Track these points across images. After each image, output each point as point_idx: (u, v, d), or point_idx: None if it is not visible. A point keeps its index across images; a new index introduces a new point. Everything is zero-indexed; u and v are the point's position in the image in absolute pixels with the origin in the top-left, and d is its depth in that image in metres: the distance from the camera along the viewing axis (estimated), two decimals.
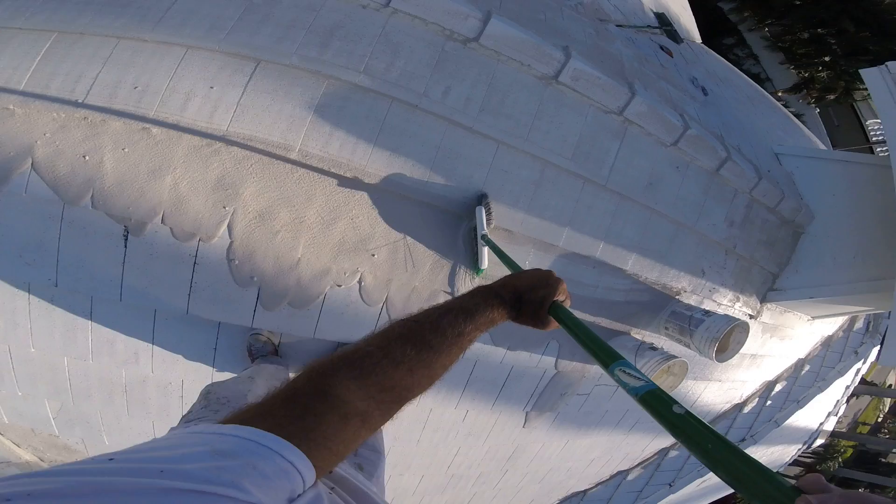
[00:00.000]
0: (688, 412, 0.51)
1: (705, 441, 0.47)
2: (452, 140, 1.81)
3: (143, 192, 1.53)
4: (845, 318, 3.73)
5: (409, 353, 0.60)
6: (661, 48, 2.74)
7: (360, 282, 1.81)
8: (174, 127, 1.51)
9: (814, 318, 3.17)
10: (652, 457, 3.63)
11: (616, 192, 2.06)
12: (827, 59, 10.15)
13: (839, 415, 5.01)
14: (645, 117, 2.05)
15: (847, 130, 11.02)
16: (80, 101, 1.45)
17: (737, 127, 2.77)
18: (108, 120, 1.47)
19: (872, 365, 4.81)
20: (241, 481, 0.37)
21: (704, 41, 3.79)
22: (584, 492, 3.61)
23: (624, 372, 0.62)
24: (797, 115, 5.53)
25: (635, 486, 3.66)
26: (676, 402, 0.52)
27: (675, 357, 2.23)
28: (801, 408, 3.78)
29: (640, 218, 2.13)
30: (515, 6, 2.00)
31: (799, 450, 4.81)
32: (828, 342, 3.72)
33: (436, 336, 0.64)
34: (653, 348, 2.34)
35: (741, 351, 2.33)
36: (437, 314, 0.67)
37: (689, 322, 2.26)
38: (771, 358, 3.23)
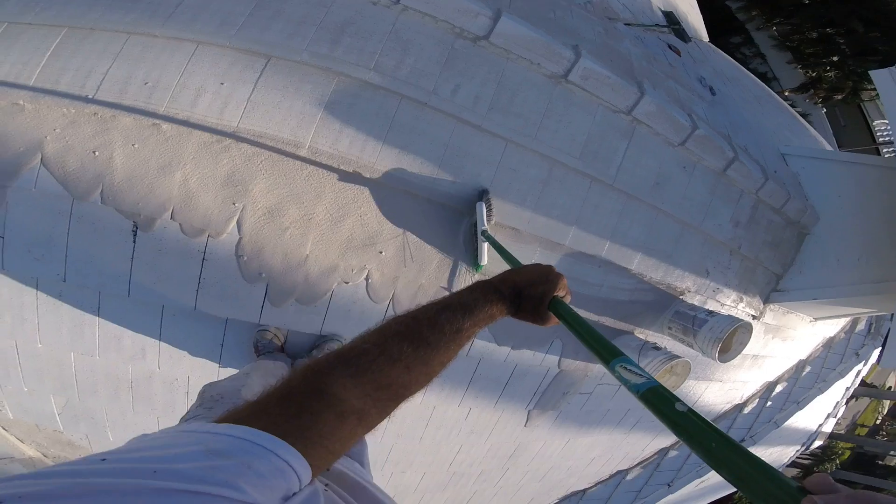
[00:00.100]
0: (690, 409, 0.50)
1: (708, 439, 0.46)
2: (461, 138, 1.83)
3: (152, 188, 1.56)
4: (847, 319, 3.79)
5: (406, 350, 0.60)
6: (670, 47, 2.77)
7: (367, 279, 1.84)
8: (184, 123, 1.53)
9: (816, 319, 3.22)
10: (651, 456, 3.69)
11: (623, 191, 2.09)
12: (835, 58, 10.16)
13: (838, 416, 5.09)
14: (653, 117, 2.09)
15: (854, 131, 11.08)
16: (90, 96, 1.47)
17: (744, 127, 2.80)
18: (119, 116, 1.50)
19: (873, 367, 4.88)
20: (236, 480, 0.37)
21: (712, 40, 3.82)
22: (584, 491, 3.67)
23: (625, 368, 0.61)
24: (804, 115, 5.57)
25: (634, 486, 3.73)
26: (679, 400, 0.51)
27: (678, 357, 2.27)
28: (801, 409, 3.84)
29: (646, 217, 2.17)
30: (525, 4, 2.02)
31: (797, 451, 4.89)
32: (829, 343, 3.78)
33: (434, 333, 0.64)
34: (656, 348, 2.38)
35: (743, 351, 2.38)
36: (435, 310, 0.67)
37: (693, 322, 2.31)
38: (772, 359, 3.29)
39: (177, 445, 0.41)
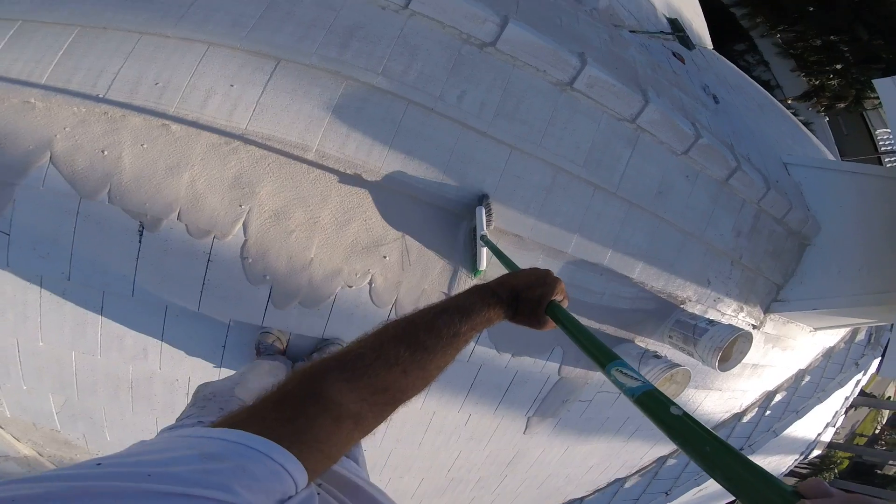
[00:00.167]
0: (686, 414, 0.50)
1: (703, 444, 0.46)
2: (466, 144, 1.87)
3: (160, 189, 1.58)
4: (847, 329, 3.83)
5: (402, 354, 0.60)
6: (674, 54, 2.81)
7: (370, 283, 1.87)
8: (193, 124, 1.56)
9: (816, 329, 3.26)
10: (650, 465, 3.72)
11: (626, 199, 2.13)
12: (839, 66, 10.26)
13: (837, 426, 5.13)
14: (657, 125, 2.13)
15: (856, 139, 11.19)
16: (101, 95, 1.50)
17: (747, 135, 2.85)
18: (128, 115, 1.52)
19: (873, 377, 4.93)
20: (230, 483, 0.38)
21: (716, 47, 3.87)
22: (581, 499, 3.69)
23: (620, 372, 0.61)
24: (806, 123, 5.64)
25: (632, 494, 3.75)
26: (674, 404, 0.52)
27: (678, 365, 2.31)
28: (800, 418, 3.88)
29: (648, 226, 2.21)
30: (532, 11, 2.06)
31: (795, 460, 4.93)
32: (829, 353, 3.83)
33: (431, 337, 0.64)
34: (656, 356, 2.42)
35: (743, 361, 2.42)
36: (433, 314, 0.67)
37: (693, 331, 2.34)
38: (772, 368, 3.33)
39: (171, 450, 0.42)
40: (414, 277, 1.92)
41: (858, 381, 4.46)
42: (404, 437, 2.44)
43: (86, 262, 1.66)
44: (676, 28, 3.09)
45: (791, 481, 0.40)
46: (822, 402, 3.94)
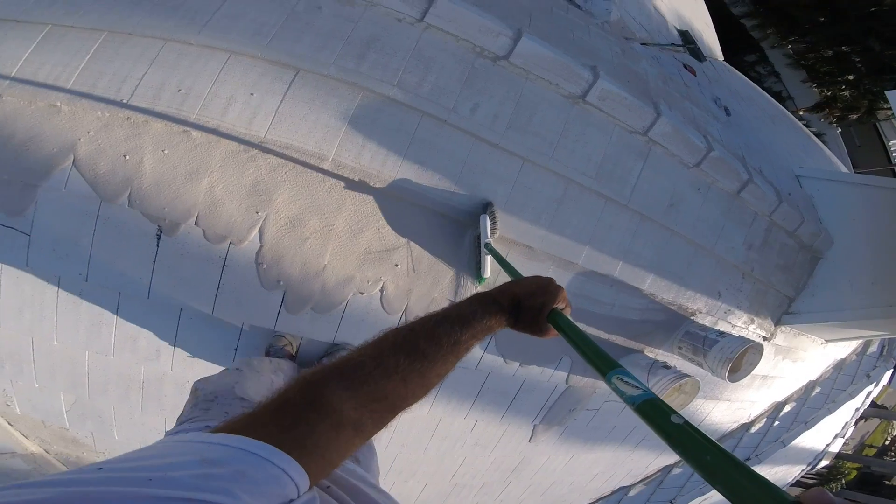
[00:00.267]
0: (686, 422, 0.50)
1: (704, 453, 0.46)
2: (478, 155, 1.91)
3: (179, 194, 1.63)
4: (859, 341, 3.84)
5: (402, 362, 0.61)
6: (685, 66, 2.84)
7: (382, 290, 1.91)
8: (213, 131, 1.61)
9: (828, 341, 3.27)
10: (655, 474, 3.73)
11: (637, 211, 2.16)
12: (851, 77, 10.23)
13: (846, 437, 5.12)
14: (669, 138, 2.16)
15: (869, 151, 11.15)
16: (124, 101, 1.55)
17: (758, 148, 2.87)
18: (151, 121, 1.57)
19: (884, 388, 4.93)
20: (231, 487, 0.39)
21: (726, 58, 3.90)
22: None
23: (621, 380, 0.61)
24: (818, 135, 5.64)
25: (636, 503, 3.77)
26: (675, 412, 0.52)
27: (687, 376, 2.33)
28: (809, 429, 3.89)
29: (659, 238, 2.24)
30: (545, 24, 2.10)
31: (803, 470, 4.92)
32: (840, 365, 3.83)
33: (431, 345, 0.65)
34: (665, 367, 2.44)
35: (753, 372, 2.44)
36: (433, 322, 0.68)
37: (704, 342, 2.37)
38: (782, 379, 3.34)
39: (172, 455, 0.43)
40: (424, 285, 1.96)
41: (869, 393, 4.46)
42: (410, 442, 2.48)
43: (104, 263, 1.71)
44: (687, 40, 3.12)
45: (796, 492, 0.42)
46: (831, 413, 3.95)
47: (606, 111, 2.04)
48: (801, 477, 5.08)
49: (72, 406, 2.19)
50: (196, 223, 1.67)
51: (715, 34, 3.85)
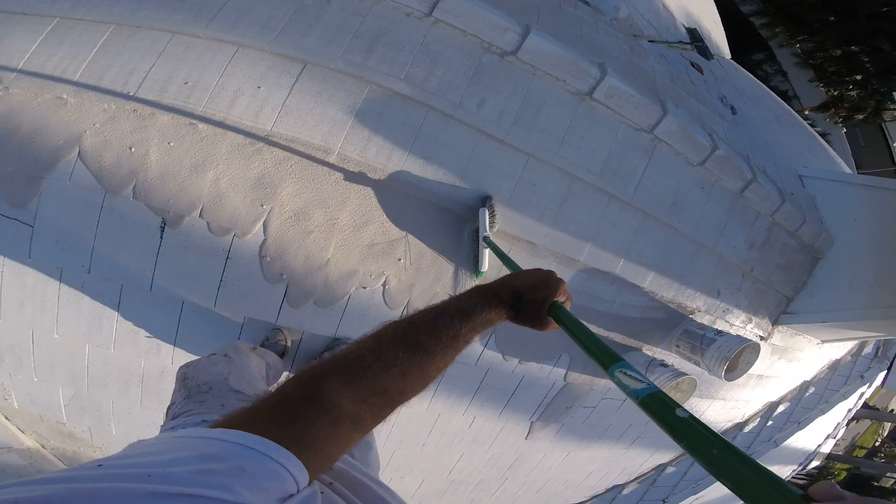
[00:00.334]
0: (691, 416, 0.51)
1: (709, 447, 0.46)
2: (484, 151, 1.94)
3: (184, 186, 1.65)
4: (855, 342, 3.91)
5: (401, 356, 0.61)
6: (692, 64, 2.88)
7: (384, 285, 1.94)
8: (220, 124, 1.63)
9: (824, 341, 3.34)
10: (649, 472, 3.81)
11: (640, 209, 2.20)
12: (858, 77, 10.25)
13: (838, 437, 5.23)
14: (674, 136, 2.19)
15: (873, 151, 11.25)
16: (131, 93, 1.57)
17: (763, 147, 2.92)
18: (157, 114, 1.59)
19: (877, 389, 5.03)
20: (230, 483, 0.39)
21: (734, 56, 3.94)
22: None
23: (624, 374, 0.61)
24: (823, 135, 5.71)
25: (629, 501, 3.84)
26: (679, 406, 0.52)
27: (684, 374, 2.39)
28: (802, 429, 3.97)
29: (661, 236, 2.28)
30: (554, 20, 2.12)
31: (794, 471, 5.03)
32: (835, 366, 3.91)
33: (430, 338, 0.65)
34: (663, 365, 2.50)
35: (748, 371, 2.50)
36: (432, 315, 0.68)
37: (701, 341, 2.42)
38: (777, 379, 3.42)
39: (171, 451, 0.43)
40: (427, 280, 1.99)
41: (862, 394, 4.55)
42: (408, 438, 2.52)
43: (106, 256, 1.73)
44: (695, 38, 3.15)
45: None
46: (824, 413, 4.03)
47: (613, 108, 2.07)
48: (791, 477, 5.19)
49: (70, 400, 2.21)
50: (200, 215, 1.69)
51: (723, 32, 3.89)
